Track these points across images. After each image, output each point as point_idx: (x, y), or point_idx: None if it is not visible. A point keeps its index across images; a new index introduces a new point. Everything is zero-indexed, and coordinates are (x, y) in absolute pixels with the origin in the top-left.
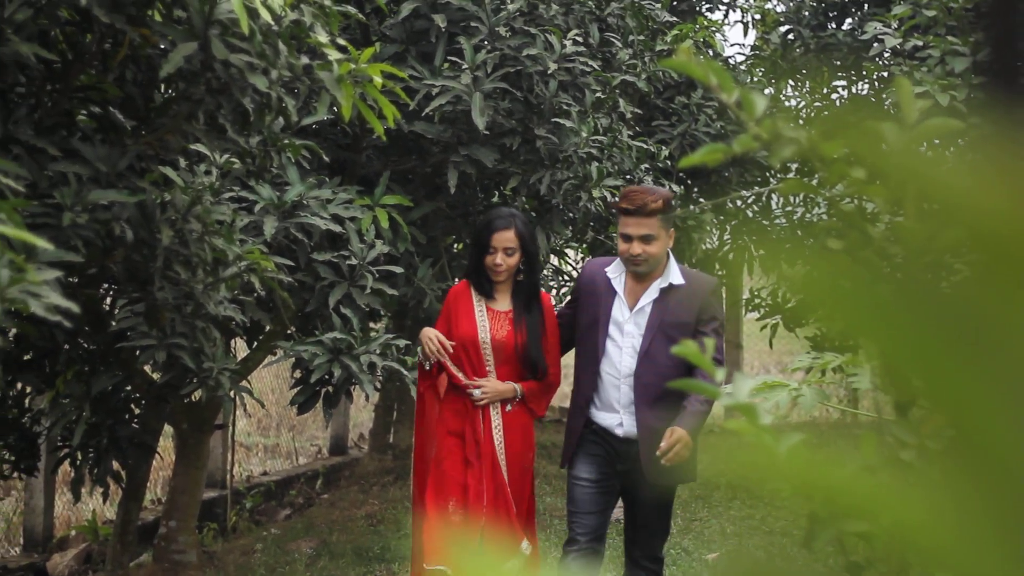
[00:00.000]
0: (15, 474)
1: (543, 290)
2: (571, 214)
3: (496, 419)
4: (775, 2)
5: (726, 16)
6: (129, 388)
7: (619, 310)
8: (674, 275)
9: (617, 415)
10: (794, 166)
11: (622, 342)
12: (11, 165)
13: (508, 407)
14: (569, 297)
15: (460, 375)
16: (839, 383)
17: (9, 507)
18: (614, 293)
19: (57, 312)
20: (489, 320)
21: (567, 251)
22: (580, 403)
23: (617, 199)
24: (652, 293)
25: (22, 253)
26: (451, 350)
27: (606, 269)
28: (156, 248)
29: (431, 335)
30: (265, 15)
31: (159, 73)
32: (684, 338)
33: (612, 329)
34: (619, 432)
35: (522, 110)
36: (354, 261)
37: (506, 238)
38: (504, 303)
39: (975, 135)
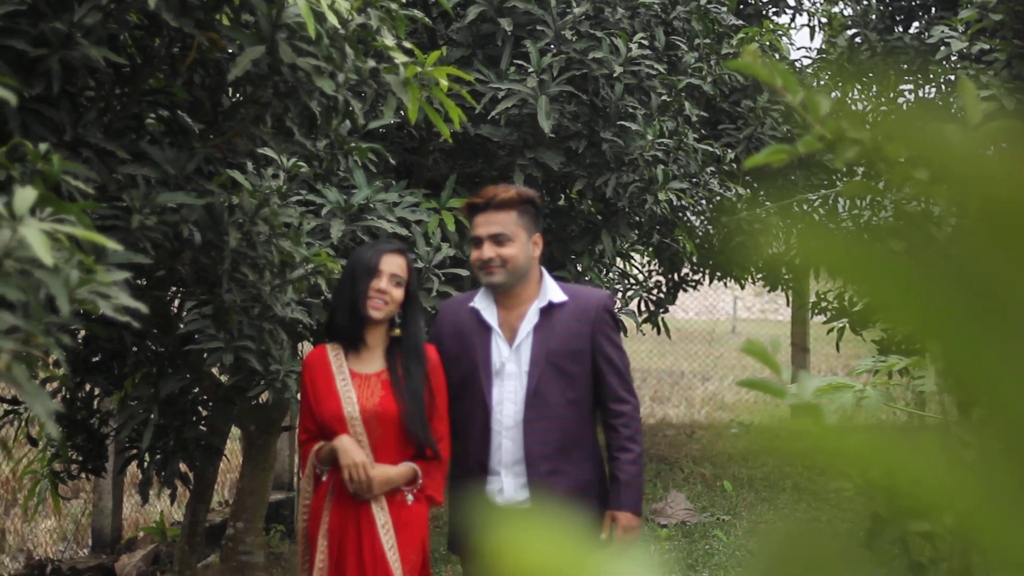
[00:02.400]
0: (83, 475)
1: (427, 342)
2: (637, 217)
3: (382, 517)
4: (842, 5)
5: (792, 20)
6: (197, 390)
7: (496, 349)
8: (552, 292)
9: (497, 477)
10: (860, 168)
11: (502, 387)
12: (80, 168)
13: (408, 497)
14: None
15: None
16: (905, 386)
17: (77, 508)
18: (488, 329)
19: (126, 313)
20: (355, 387)
21: (633, 254)
22: (473, 468)
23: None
24: (531, 318)
25: (91, 255)
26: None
27: (470, 303)
28: (224, 250)
29: (356, 461)
30: (332, 19)
31: (226, 77)
32: (579, 368)
33: (496, 369)
34: (499, 500)
35: (588, 113)
36: (420, 264)
37: (396, 264)
38: (373, 363)
39: None
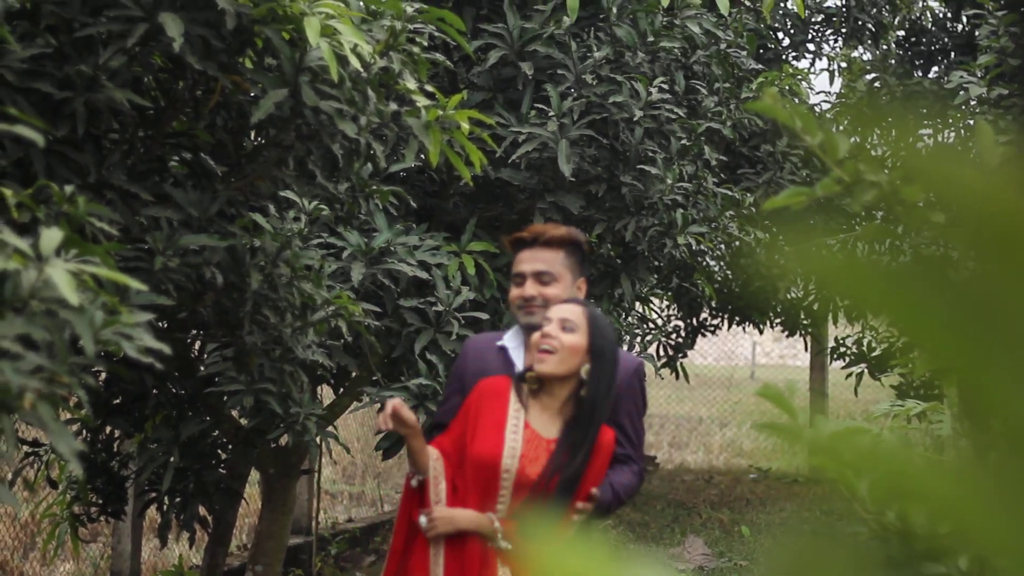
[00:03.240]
0: (103, 518)
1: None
2: (656, 261)
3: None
4: (861, 50)
5: (812, 64)
6: (216, 433)
7: None
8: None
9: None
10: (878, 212)
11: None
12: (104, 210)
13: (504, 544)
14: (447, 391)
15: (437, 495)
16: (923, 431)
17: (96, 552)
18: (513, 367)
19: (149, 355)
20: (524, 443)
21: (652, 299)
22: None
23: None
24: None
25: (114, 296)
26: (413, 424)
27: (498, 342)
28: (246, 292)
29: (389, 405)
30: (355, 62)
31: (249, 119)
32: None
33: None
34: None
35: (608, 157)
36: (440, 307)
37: (568, 310)
38: (551, 427)
39: None
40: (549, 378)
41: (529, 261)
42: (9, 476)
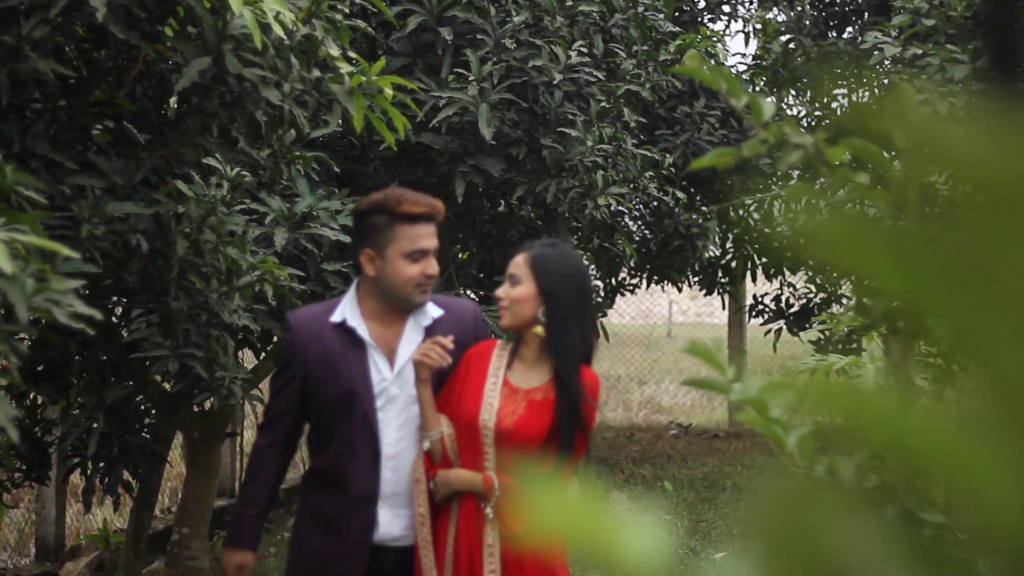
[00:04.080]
0: (27, 483)
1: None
2: (577, 222)
3: (491, 537)
4: (776, 12)
5: (727, 26)
6: (140, 398)
7: (375, 368)
8: (432, 308)
9: (372, 509)
10: (795, 172)
11: (386, 413)
12: (30, 178)
13: (488, 511)
14: (282, 379)
15: (455, 451)
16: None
17: (19, 517)
18: (364, 345)
19: (79, 320)
20: (501, 397)
21: None
22: (350, 501)
23: (390, 205)
24: (411, 336)
25: (43, 264)
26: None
27: (332, 318)
28: (171, 259)
29: (427, 347)
30: (278, 30)
31: (170, 87)
32: None
33: (377, 392)
34: (376, 536)
35: (528, 120)
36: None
37: (513, 262)
38: (528, 378)
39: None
40: (513, 330)
41: (429, 237)
42: None
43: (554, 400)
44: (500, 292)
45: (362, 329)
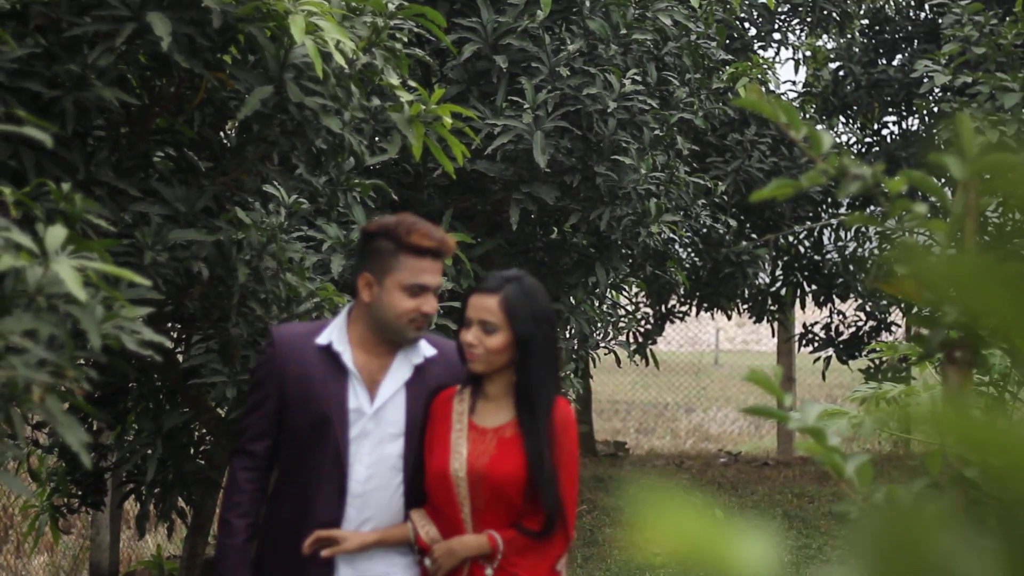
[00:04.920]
0: (83, 509)
1: (562, 395)
2: (629, 249)
3: None
4: (825, 39)
5: (777, 53)
6: (196, 424)
7: (356, 398)
8: (426, 346)
9: (333, 572)
10: (846, 201)
11: (358, 446)
12: (96, 205)
13: (488, 571)
14: (258, 396)
15: (424, 530)
16: (892, 414)
17: (73, 544)
18: (346, 372)
19: (147, 347)
20: (468, 442)
21: (624, 286)
22: (309, 535)
23: (398, 233)
24: (398, 370)
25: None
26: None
27: (317, 339)
28: (232, 286)
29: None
30: (338, 58)
31: (233, 115)
32: None
33: (351, 425)
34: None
35: (581, 148)
36: None
37: (483, 307)
38: (496, 416)
39: None
40: (482, 374)
41: (433, 273)
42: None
43: (521, 438)
44: (471, 339)
45: (347, 355)
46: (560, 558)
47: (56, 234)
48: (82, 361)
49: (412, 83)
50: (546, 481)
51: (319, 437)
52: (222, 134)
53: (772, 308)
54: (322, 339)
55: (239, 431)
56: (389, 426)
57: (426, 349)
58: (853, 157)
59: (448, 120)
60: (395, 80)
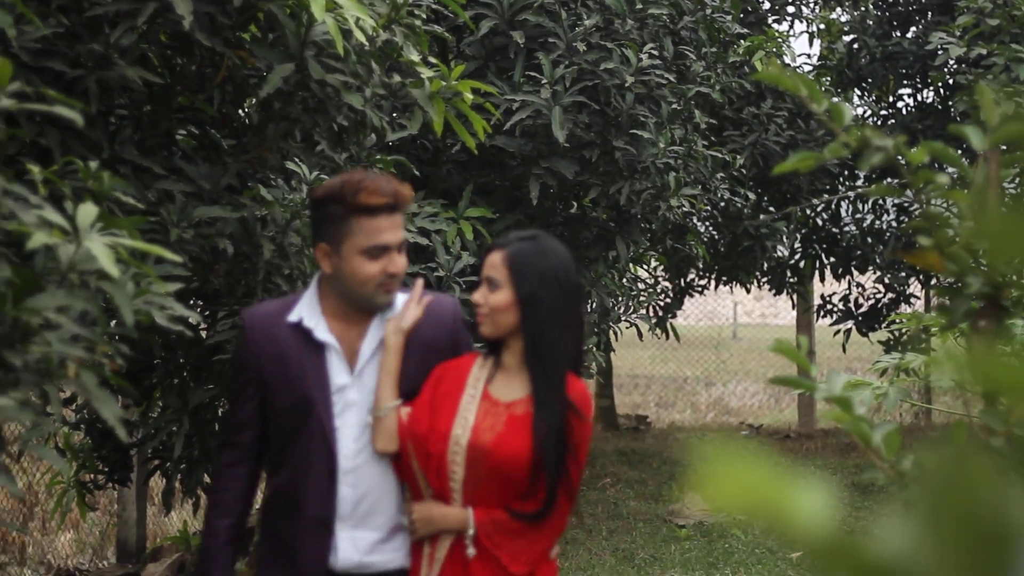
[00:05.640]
0: (109, 485)
1: (574, 373)
2: (649, 223)
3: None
4: (839, 12)
5: (791, 27)
6: (222, 400)
7: (336, 370)
8: (399, 299)
9: (330, 536)
10: (863, 173)
11: (343, 420)
12: (123, 183)
13: (469, 550)
14: (239, 384)
15: (419, 481)
16: (913, 384)
17: (99, 520)
18: (321, 347)
19: (178, 322)
20: (478, 412)
21: (644, 260)
22: (304, 522)
23: (345, 194)
24: (375, 334)
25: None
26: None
27: (288, 317)
28: (258, 262)
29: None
30: (359, 35)
31: (254, 92)
32: None
33: (334, 400)
34: (335, 563)
35: (600, 123)
36: (441, 272)
37: (491, 262)
38: (511, 390)
39: None
40: (495, 339)
41: (392, 230)
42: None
43: (532, 415)
44: (478, 297)
45: (320, 328)
46: (553, 546)
47: (88, 212)
48: (116, 336)
49: (432, 59)
50: (550, 465)
51: (303, 417)
52: (242, 112)
53: (791, 280)
54: (292, 316)
55: (224, 423)
56: (371, 392)
57: (401, 304)
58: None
59: (469, 96)
60: (415, 56)
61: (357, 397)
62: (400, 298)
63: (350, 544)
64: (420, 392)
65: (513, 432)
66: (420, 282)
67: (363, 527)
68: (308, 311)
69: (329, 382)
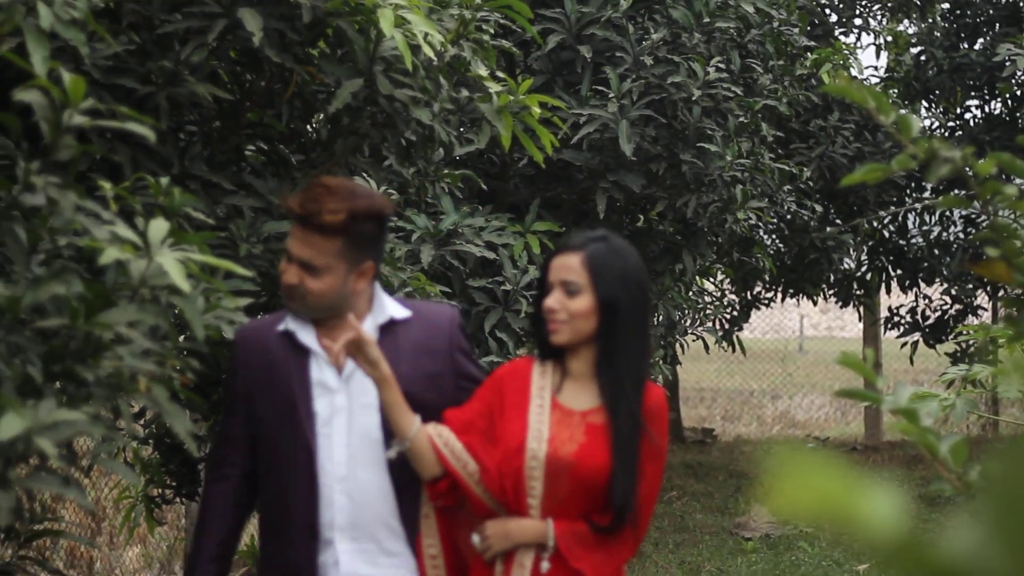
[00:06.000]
0: (177, 499)
1: (653, 380)
2: (716, 236)
3: None
4: (907, 24)
5: (858, 39)
6: None
7: (321, 375)
8: (390, 306)
9: (330, 546)
10: (929, 185)
11: (330, 426)
12: (194, 199)
13: (544, 564)
14: (230, 397)
15: (485, 501)
16: (980, 396)
17: (166, 535)
18: (306, 352)
19: None
20: (551, 422)
21: (710, 273)
22: (293, 534)
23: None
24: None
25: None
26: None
27: (279, 326)
28: None
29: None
30: (427, 51)
31: (323, 108)
32: (437, 396)
33: (320, 406)
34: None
35: (667, 136)
36: (508, 286)
37: (565, 267)
38: (583, 398)
39: None
40: (568, 347)
41: (299, 242)
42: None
43: (609, 427)
44: (553, 303)
45: (304, 333)
46: (628, 560)
47: (159, 227)
48: (186, 351)
49: (500, 74)
50: (628, 475)
51: (286, 425)
52: (311, 127)
53: (858, 293)
54: (282, 325)
55: (213, 442)
56: (361, 396)
57: (394, 310)
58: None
59: (536, 110)
60: (483, 71)
61: (346, 403)
62: (391, 304)
63: (351, 556)
64: (475, 402)
65: (595, 443)
66: (351, 315)
67: (365, 538)
68: (297, 319)
69: (311, 386)
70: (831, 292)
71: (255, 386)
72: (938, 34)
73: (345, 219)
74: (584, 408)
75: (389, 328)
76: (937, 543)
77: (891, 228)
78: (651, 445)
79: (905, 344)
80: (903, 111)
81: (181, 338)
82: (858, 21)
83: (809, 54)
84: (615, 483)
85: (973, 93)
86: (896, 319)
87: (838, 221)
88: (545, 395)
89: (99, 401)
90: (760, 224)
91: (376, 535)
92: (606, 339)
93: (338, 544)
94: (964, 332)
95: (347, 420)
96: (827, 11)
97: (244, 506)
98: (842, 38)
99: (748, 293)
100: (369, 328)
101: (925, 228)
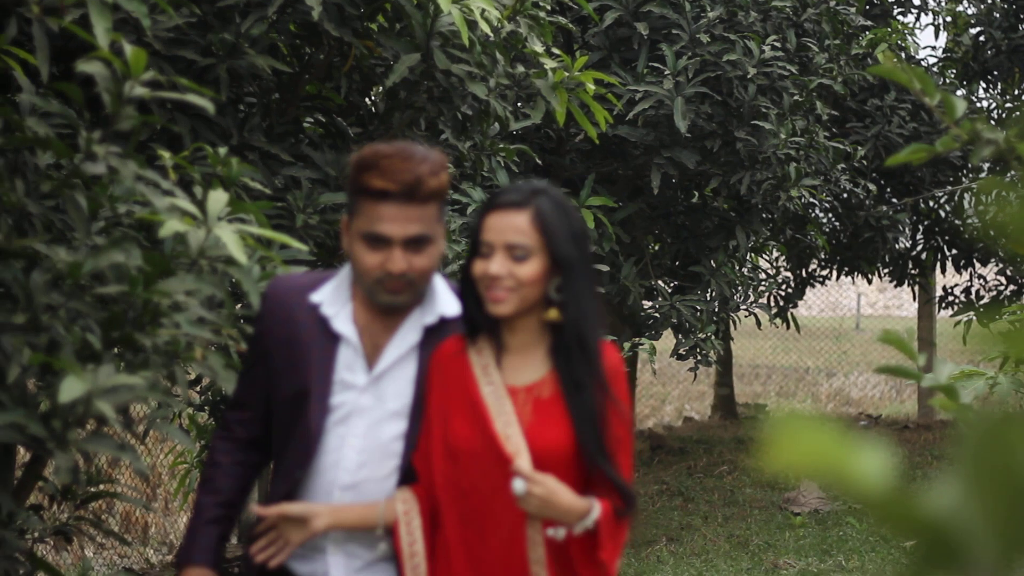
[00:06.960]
0: None
1: (609, 339)
2: (769, 213)
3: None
4: (966, 4)
5: (917, 19)
6: None
7: (349, 368)
8: (444, 302)
9: (322, 557)
10: (986, 165)
11: (346, 427)
12: (252, 169)
13: (560, 532)
14: (249, 360)
15: (410, 535)
16: None
17: None
18: (336, 339)
19: None
20: (514, 404)
21: (764, 250)
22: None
23: (354, 169)
24: (407, 334)
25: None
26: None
27: (311, 296)
28: None
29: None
30: (484, 27)
31: (380, 82)
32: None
33: (338, 401)
34: None
35: (722, 113)
36: None
37: (510, 227)
38: (525, 372)
39: None
40: (511, 317)
41: (397, 221)
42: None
43: (564, 396)
44: (499, 269)
45: (341, 316)
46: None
47: (218, 199)
48: (241, 319)
49: (555, 50)
50: (602, 449)
51: (296, 416)
52: (368, 100)
53: (912, 272)
54: (316, 296)
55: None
56: (390, 401)
57: (445, 306)
58: (992, 122)
59: (591, 86)
60: (539, 47)
61: (370, 404)
62: (445, 297)
63: (343, 561)
64: (421, 437)
65: (545, 420)
66: None
67: (356, 543)
68: (333, 293)
69: (332, 379)
70: (886, 271)
71: (274, 360)
72: (997, 15)
73: (447, 178)
74: (527, 383)
75: (437, 330)
76: (921, 498)
77: (946, 208)
78: (615, 411)
79: (959, 323)
80: (960, 92)
81: (237, 307)
82: (917, 1)
83: (866, 34)
84: (601, 462)
85: None
86: (951, 298)
87: (893, 200)
88: (492, 374)
89: (156, 368)
90: (814, 202)
91: (373, 545)
92: (564, 302)
93: (330, 557)
94: (1016, 311)
95: (367, 424)
96: None
97: (250, 469)
98: (900, 18)
99: (803, 270)
100: (413, 326)
101: (980, 208)
